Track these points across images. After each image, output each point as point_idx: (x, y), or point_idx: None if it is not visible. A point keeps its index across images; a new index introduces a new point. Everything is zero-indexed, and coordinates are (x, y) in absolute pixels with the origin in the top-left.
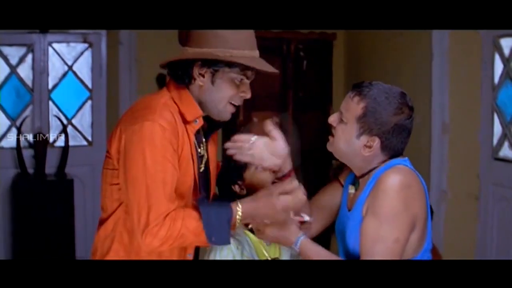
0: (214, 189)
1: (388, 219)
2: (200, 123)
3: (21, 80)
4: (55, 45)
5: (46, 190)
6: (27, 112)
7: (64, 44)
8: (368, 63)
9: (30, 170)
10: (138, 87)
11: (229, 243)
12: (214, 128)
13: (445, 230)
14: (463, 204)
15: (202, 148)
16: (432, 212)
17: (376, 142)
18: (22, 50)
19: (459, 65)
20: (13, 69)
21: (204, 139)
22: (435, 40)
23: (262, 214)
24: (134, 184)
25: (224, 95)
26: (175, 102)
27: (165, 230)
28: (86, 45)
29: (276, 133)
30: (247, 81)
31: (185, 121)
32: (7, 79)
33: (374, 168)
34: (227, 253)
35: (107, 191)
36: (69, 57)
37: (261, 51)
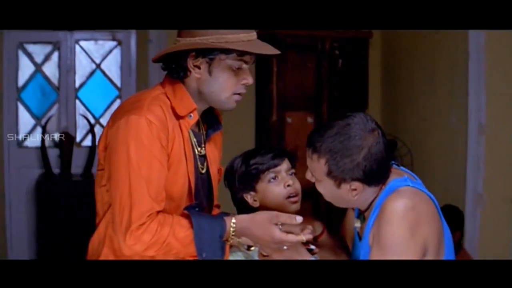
0: (216, 195)
1: (394, 248)
2: (195, 117)
3: (46, 78)
4: (82, 43)
5: (71, 191)
6: (53, 111)
7: (91, 42)
8: (404, 61)
9: (56, 170)
10: None
11: (221, 258)
12: (215, 128)
13: (481, 234)
14: (500, 207)
15: (203, 148)
16: (463, 219)
17: (358, 184)
18: (48, 48)
19: (496, 63)
20: (38, 67)
21: (204, 139)
22: (471, 38)
23: (254, 236)
24: (117, 181)
25: (224, 85)
26: (168, 97)
27: (151, 235)
28: (115, 43)
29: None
30: (246, 66)
31: (178, 116)
32: (31, 77)
33: (374, 199)
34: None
35: (98, 194)
36: (97, 55)
37: (295, 49)
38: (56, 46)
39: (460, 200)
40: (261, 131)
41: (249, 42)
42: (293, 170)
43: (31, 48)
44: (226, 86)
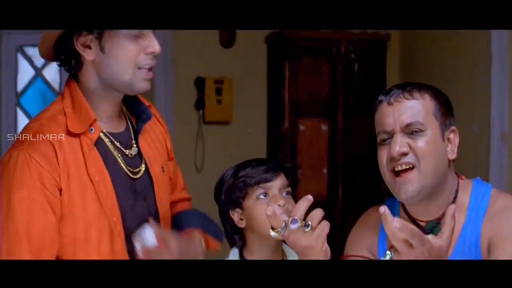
0: (166, 202)
1: None
2: (97, 131)
3: (47, 83)
4: None
5: None
6: None
7: None
8: (423, 66)
9: None
10: (175, 90)
11: None
12: (145, 118)
13: None
14: None
15: (134, 146)
16: None
17: (455, 131)
18: None
19: None
20: (38, 71)
21: (133, 135)
22: (494, 41)
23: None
24: None
25: (123, 59)
26: (65, 112)
27: None
28: None
29: None
30: (147, 31)
31: (76, 134)
32: (31, 82)
33: (455, 198)
34: None
35: None
36: None
37: (309, 53)
38: None
39: None
40: (273, 139)
41: None
42: (288, 189)
43: (30, 51)
44: (126, 59)
